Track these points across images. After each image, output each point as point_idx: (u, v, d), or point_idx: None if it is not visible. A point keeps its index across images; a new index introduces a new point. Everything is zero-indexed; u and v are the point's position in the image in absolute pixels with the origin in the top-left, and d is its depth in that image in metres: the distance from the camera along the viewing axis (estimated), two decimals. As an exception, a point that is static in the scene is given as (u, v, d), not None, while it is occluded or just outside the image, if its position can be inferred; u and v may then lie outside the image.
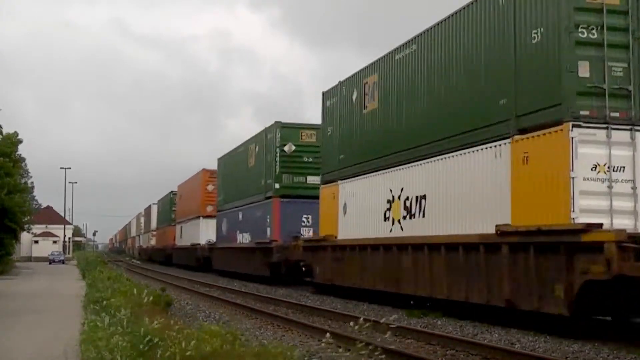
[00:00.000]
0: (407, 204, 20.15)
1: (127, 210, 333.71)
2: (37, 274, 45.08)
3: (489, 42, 16.72)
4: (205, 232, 48.98)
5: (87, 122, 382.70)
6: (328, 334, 9.58)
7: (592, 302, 13.70)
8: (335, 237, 24.93)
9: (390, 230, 21.06)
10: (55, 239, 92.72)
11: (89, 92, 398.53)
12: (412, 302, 18.92)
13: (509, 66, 15.84)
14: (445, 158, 18.28)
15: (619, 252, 12.46)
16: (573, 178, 13.78)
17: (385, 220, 21.50)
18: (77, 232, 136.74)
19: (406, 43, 20.85)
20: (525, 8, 15.42)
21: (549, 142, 14.48)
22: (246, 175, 38.25)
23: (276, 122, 33.65)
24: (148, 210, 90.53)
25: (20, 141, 47.14)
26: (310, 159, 32.39)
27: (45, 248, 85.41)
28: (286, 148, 32.98)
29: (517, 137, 15.40)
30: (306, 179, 32.75)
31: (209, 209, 49.37)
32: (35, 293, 25.53)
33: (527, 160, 15.05)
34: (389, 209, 21.30)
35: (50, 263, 69.89)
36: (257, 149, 36.61)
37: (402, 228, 20.42)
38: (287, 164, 32.99)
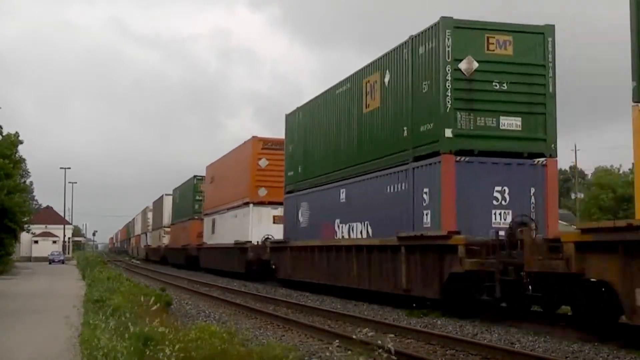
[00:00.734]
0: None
1: (127, 210, 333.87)
2: (36, 274, 45.09)
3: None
4: (256, 225, 36.32)
5: (87, 122, 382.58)
6: (337, 341, 9.58)
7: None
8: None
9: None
10: (55, 239, 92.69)
11: (89, 92, 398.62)
12: (414, 305, 18.94)
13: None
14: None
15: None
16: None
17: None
18: (76, 232, 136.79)
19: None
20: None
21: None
22: (361, 125, 23.63)
23: (442, 17, 18.99)
24: (159, 203, 76.03)
25: (20, 142, 47.09)
26: (505, 86, 19.09)
27: (45, 248, 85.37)
28: (463, 65, 18.71)
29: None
30: (498, 121, 19.12)
31: (262, 193, 36.74)
32: (35, 293, 25.53)
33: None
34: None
35: (50, 263, 69.89)
36: (388, 77, 21.71)
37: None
38: (465, 93, 18.79)
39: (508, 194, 18.63)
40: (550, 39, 19.20)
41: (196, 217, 53.29)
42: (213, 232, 45.78)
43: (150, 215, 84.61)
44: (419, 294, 18.93)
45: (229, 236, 39.74)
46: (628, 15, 13.05)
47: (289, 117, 31.33)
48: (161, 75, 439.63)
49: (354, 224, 23.60)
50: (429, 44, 19.33)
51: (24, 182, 53.41)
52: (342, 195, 24.70)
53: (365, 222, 22.72)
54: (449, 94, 18.54)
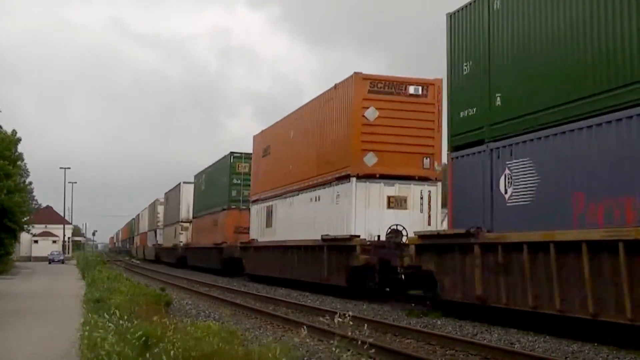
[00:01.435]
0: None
1: (127, 210, 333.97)
2: (36, 273, 45.06)
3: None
4: (363, 211, 23.59)
5: (87, 121, 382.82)
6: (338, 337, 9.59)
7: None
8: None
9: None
10: (54, 238, 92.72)
11: (89, 92, 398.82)
12: (413, 305, 19.01)
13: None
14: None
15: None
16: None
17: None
18: (76, 232, 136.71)
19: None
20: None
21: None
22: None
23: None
24: (174, 193, 63.30)
25: (18, 140, 47.05)
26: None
27: (45, 248, 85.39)
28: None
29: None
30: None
31: (371, 160, 23.90)
32: (35, 293, 25.52)
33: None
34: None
35: (49, 263, 69.89)
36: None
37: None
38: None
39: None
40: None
41: (233, 207, 42.23)
42: (269, 224, 33.34)
43: (160, 209, 73.21)
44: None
45: (308, 229, 27.35)
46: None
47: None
48: (161, 75, 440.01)
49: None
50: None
51: (24, 181, 53.33)
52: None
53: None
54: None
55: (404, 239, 22.28)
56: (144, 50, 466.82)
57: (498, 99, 16.84)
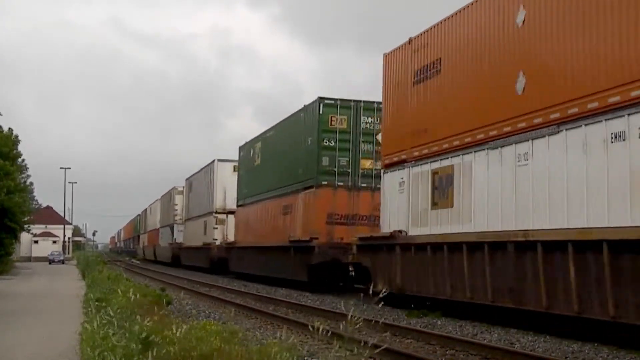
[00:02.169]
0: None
1: (127, 210, 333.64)
2: (36, 274, 45.07)
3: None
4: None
5: (87, 121, 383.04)
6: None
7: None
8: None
9: None
10: (55, 239, 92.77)
11: (89, 92, 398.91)
12: (412, 305, 19.01)
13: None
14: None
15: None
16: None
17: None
18: (77, 232, 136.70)
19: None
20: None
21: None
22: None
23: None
24: (203, 177, 50.11)
25: (16, 137, 47.04)
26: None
27: (45, 248, 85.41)
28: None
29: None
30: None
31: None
32: (35, 293, 25.53)
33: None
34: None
35: (50, 263, 69.93)
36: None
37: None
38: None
39: None
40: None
41: (324, 183, 27.45)
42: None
43: (179, 200, 61.72)
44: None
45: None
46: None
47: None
48: (161, 74, 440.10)
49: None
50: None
51: (25, 182, 53.34)
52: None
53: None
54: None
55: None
56: (143, 50, 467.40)
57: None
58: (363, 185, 27.22)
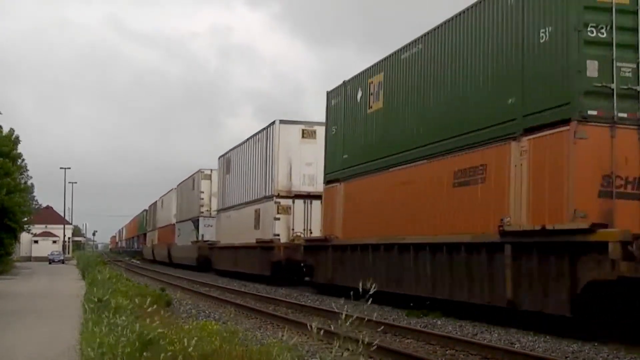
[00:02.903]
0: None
1: (127, 210, 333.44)
2: (36, 274, 45.05)
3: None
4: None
5: (87, 120, 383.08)
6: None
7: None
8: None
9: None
10: (55, 238, 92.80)
11: (89, 91, 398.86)
12: (411, 304, 19.02)
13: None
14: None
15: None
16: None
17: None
18: (76, 232, 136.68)
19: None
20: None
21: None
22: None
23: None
24: (252, 147, 37.08)
25: (17, 138, 47.00)
26: None
27: (45, 248, 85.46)
28: None
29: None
30: None
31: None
32: (35, 293, 25.53)
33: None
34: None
35: (50, 263, 69.94)
36: None
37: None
38: None
39: None
40: None
41: (592, 114, 14.05)
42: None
43: (206, 186, 50.18)
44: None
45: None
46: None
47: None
48: (160, 74, 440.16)
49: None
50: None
51: (25, 182, 53.32)
52: None
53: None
54: None
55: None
56: (143, 49, 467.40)
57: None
58: None
